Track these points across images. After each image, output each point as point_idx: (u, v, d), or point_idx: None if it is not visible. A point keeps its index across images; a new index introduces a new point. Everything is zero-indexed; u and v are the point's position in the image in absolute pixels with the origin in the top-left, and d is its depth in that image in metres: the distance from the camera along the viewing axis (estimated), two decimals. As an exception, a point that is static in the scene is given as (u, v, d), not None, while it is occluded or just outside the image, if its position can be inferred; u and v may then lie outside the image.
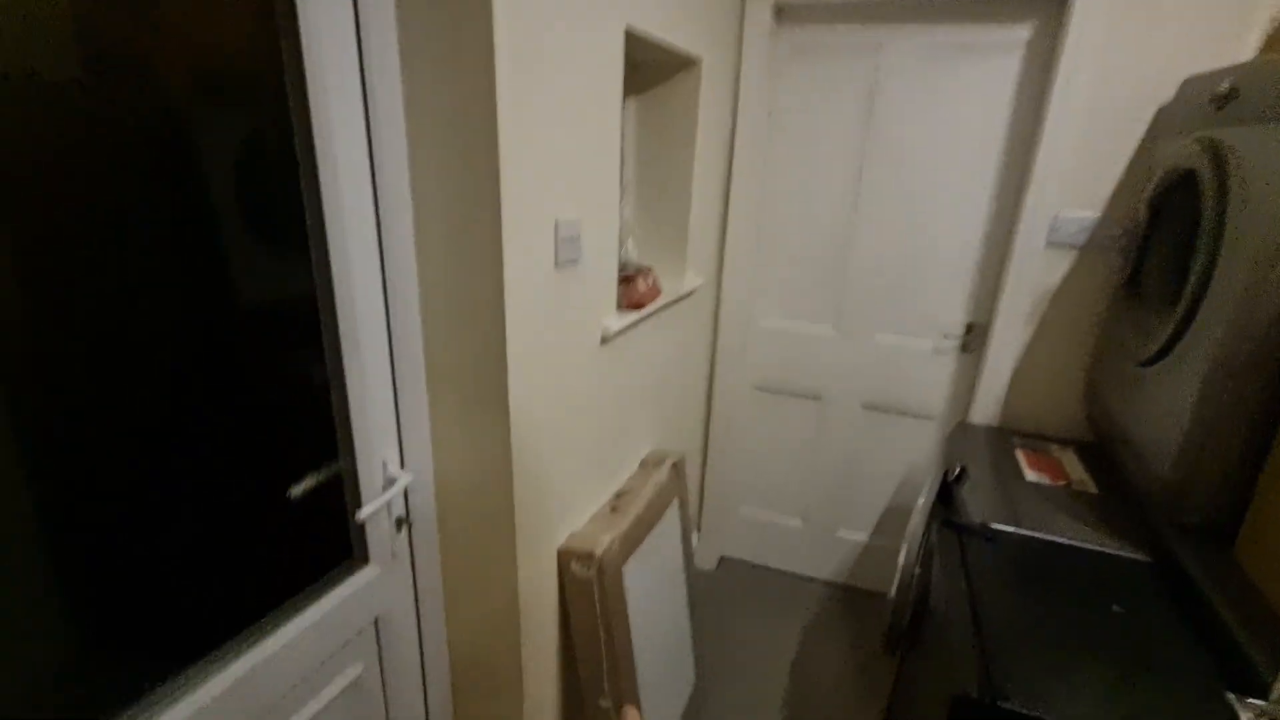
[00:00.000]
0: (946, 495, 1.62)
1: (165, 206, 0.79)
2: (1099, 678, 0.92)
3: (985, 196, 1.81)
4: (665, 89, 1.66)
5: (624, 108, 1.67)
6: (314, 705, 1.03)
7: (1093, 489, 1.49)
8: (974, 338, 1.93)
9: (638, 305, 1.44)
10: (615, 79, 1.22)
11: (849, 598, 2.34)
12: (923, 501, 1.61)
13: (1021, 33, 1.66)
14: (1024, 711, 0.85)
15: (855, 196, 1.95)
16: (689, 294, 1.86)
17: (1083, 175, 1.60)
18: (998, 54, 1.69)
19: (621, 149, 1.70)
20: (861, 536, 2.30)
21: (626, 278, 1.45)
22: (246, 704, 0.90)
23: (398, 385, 1.10)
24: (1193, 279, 1.14)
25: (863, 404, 2.15)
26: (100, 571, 0.78)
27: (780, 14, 1.86)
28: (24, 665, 0.71)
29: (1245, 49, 1.41)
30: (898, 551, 1.37)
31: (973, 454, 1.67)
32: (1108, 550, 1.24)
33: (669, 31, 1.40)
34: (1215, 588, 1.03)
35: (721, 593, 2.34)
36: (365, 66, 0.92)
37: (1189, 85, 1.40)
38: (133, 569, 0.81)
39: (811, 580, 2.42)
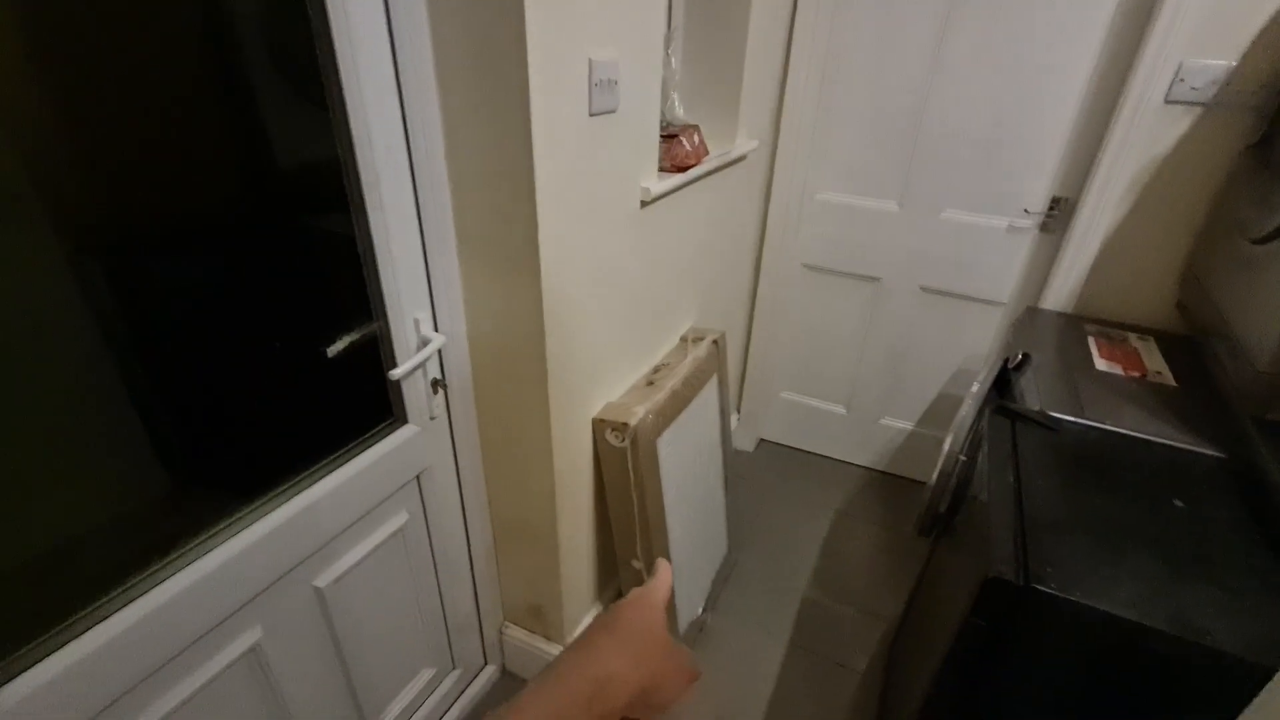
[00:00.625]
0: (1004, 383, 1.53)
1: (185, 65, 0.75)
2: (1148, 570, 0.87)
3: (1097, 39, 1.53)
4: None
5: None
6: (367, 544, 1.11)
7: (1171, 382, 1.36)
8: (1059, 215, 1.73)
9: (682, 167, 1.33)
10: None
11: (888, 484, 2.33)
12: (977, 388, 1.52)
13: None
14: (1061, 594, 0.81)
15: (938, 48, 1.70)
16: (740, 158, 1.71)
17: (1222, 12, 1.32)
18: None
19: (670, -14, 1.50)
20: (906, 425, 2.24)
21: (670, 135, 1.32)
22: (301, 539, 0.96)
23: (427, 246, 1.06)
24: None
25: (922, 286, 2.00)
26: (178, 425, 0.87)
27: None
28: (122, 500, 0.82)
29: None
30: (944, 441, 1.32)
31: (1040, 340, 1.55)
32: (1177, 444, 1.15)
33: None
34: (1298, 487, 0.94)
35: (758, 473, 2.37)
36: None
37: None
38: (202, 423, 0.90)
39: (851, 465, 2.41)
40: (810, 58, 1.80)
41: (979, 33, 1.64)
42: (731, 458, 1.88)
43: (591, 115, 1.03)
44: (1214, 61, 1.36)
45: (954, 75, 1.71)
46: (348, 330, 1.02)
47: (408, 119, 0.95)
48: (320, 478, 1.00)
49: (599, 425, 1.32)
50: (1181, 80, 1.39)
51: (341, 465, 1.04)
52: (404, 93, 0.93)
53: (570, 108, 0.98)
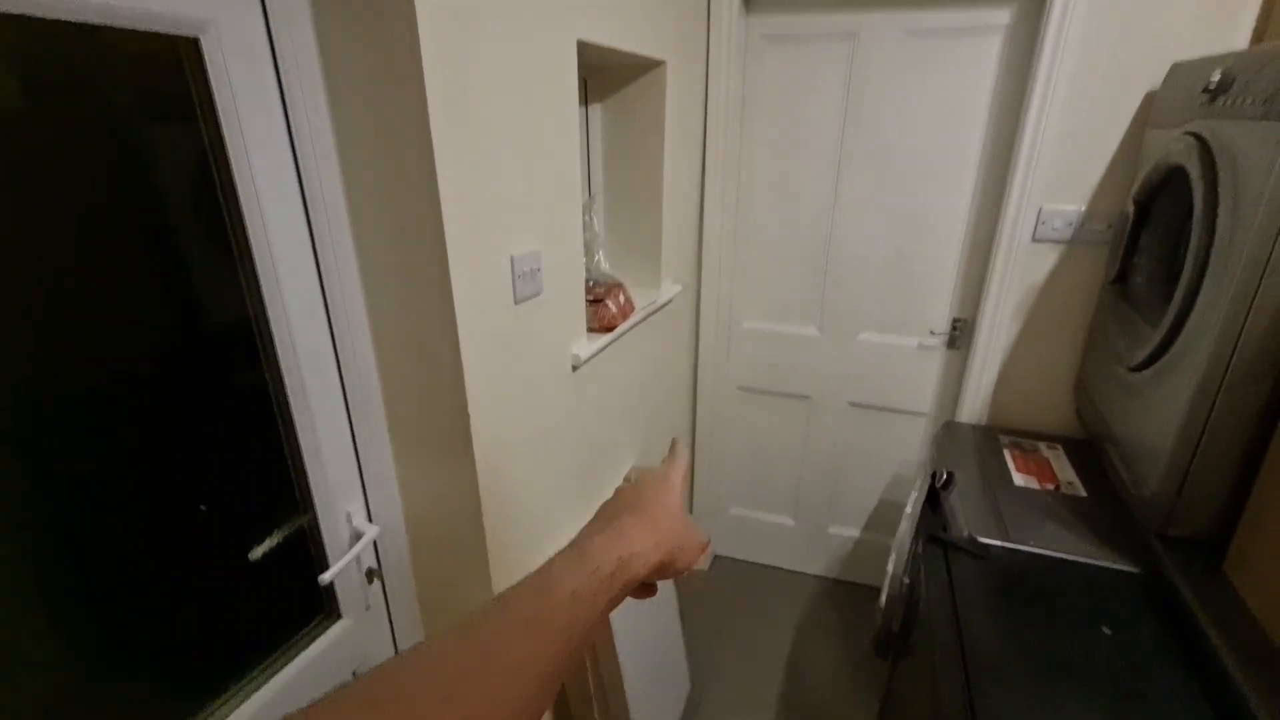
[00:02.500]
0: (935, 501, 1.59)
1: (107, 245, 0.73)
2: (1087, 710, 0.90)
3: (969, 189, 1.75)
4: (630, 92, 1.58)
5: (588, 115, 1.60)
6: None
7: (1082, 492, 1.46)
8: (961, 334, 1.89)
9: (609, 327, 1.39)
10: (570, 97, 1.15)
11: (842, 592, 2.33)
12: (911, 509, 1.58)
13: (1001, 17, 1.57)
14: (1010, 760, 0.83)
15: (835, 191, 1.89)
16: (666, 303, 1.80)
17: (1068, 167, 1.53)
18: (977, 39, 1.61)
19: (588, 159, 1.63)
20: (853, 532, 2.28)
21: (597, 298, 1.39)
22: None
23: (356, 434, 1.05)
24: (1183, 284, 1.09)
25: (850, 402, 2.11)
26: (82, 645, 0.77)
27: (749, 2, 1.76)
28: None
29: (1238, 35, 1.33)
30: (889, 547, 1.35)
31: (960, 456, 1.64)
32: (1097, 562, 1.22)
33: (626, 39, 1.32)
34: (1204, 607, 1.00)
35: (714, 591, 2.33)
36: (284, 87, 0.85)
37: (1178, 72, 1.33)
38: (111, 639, 0.80)
39: (805, 575, 2.41)
40: (723, 202, 1.96)
41: (869, 177, 1.84)
42: (686, 582, 1.85)
43: (517, 303, 1.08)
44: (1067, 206, 1.56)
45: (854, 213, 1.89)
46: (273, 528, 0.99)
47: (330, 309, 0.96)
48: (247, 697, 0.93)
49: (545, 590, 1.29)
50: (1044, 222, 1.58)
51: (273, 676, 0.96)
52: (325, 286, 0.95)
53: (495, 299, 1.03)
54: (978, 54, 1.62)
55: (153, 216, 0.78)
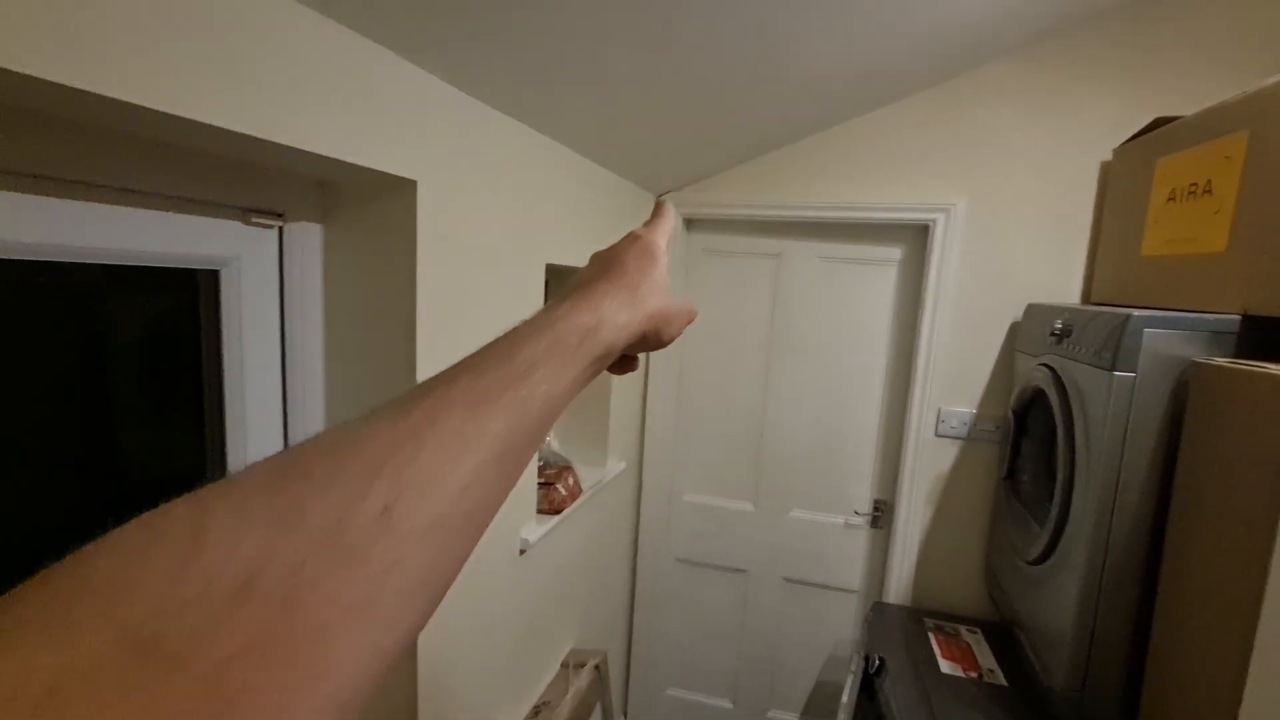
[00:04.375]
0: (869, 687, 1.62)
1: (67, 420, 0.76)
2: None
3: (880, 387, 1.99)
4: (587, 291, 1.78)
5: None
6: None
7: (1003, 680, 1.53)
8: (883, 514, 2.03)
9: (558, 510, 1.45)
10: (537, 304, 1.30)
11: (784, 787, 2.21)
12: (846, 699, 1.60)
13: (895, 252, 1.92)
14: None
15: (766, 382, 2.10)
16: (611, 480, 1.88)
17: (958, 375, 1.80)
18: (879, 267, 1.94)
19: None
20: (792, 717, 2.22)
21: (548, 481, 1.46)
22: None
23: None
24: (1058, 492, 1.27)
25: (784, 578, 2.17)
26: None
27: (690, 223, 2.08)
28: None
29: (1073, 288, 1.68)
30: None
31: (890, 639, 1.70)
32: (1022, 759, 1.26)
33: (586, 258, 1.53)
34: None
35: (651, 791, 2.16)
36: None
37: (1033, 310, 1.64)
38: None
39: (745, 767, 2.28)
40: (665, 389, 2.14)
41: (797, 372, 2.06)
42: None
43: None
44: (961, 408, 1.80)
45: (784, 401, 2.09)
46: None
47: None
48: None
49: (474, 802, 1.20)
50: (943, 420, 1.81)
51: None
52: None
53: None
54: (880, 279, 1.94)
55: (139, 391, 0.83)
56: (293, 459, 0.23)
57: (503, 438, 0.27)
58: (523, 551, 1.33)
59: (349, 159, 0.78)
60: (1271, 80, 1.02)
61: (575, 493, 1.52)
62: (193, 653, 0.17)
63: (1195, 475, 1.01)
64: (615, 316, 0.35)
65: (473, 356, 0.30)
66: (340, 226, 0.96)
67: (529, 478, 1.35)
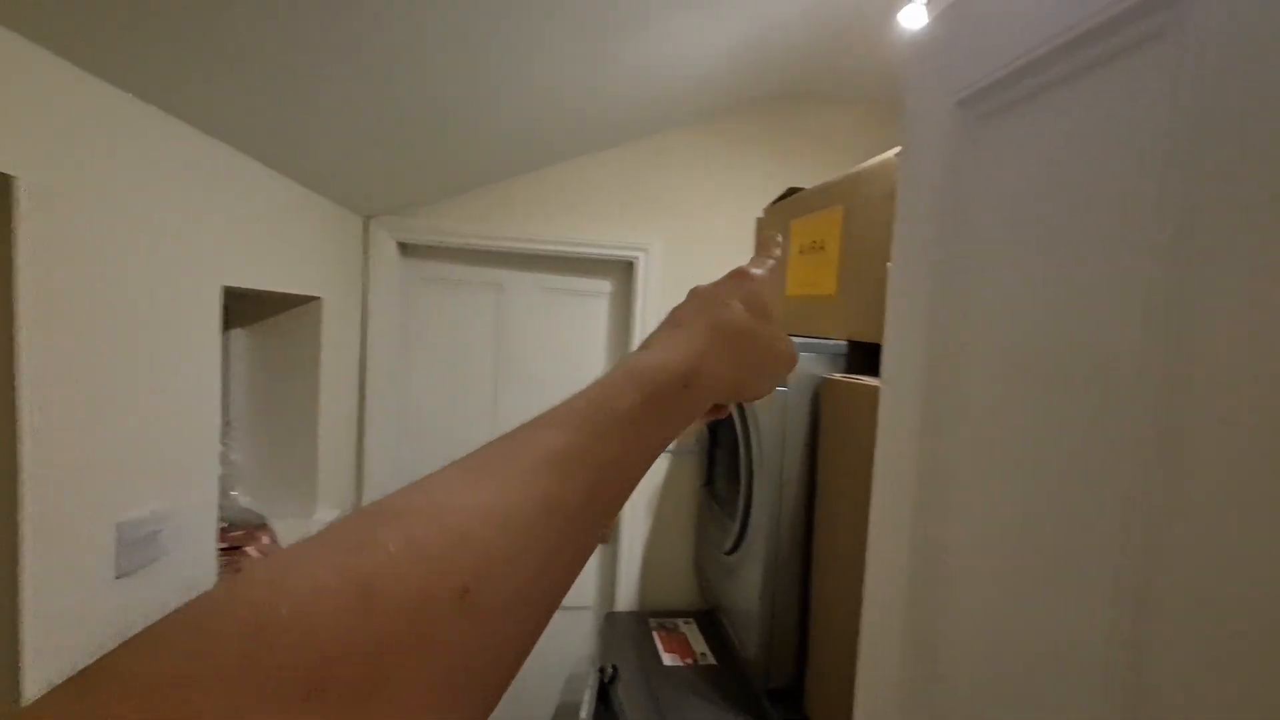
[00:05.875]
0: (606, 697, 1.70)
1: None
2: None
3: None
4: (284, 320, 1.56)
5: (229, 340, 1.51)
6: None
7: (713, 660, 1.74)
8: (610, 529, 2.17)
9: (249, 579, 1.22)
10: (213, 342, 1.10)
11: (530, 821, 2.18)
12: (585, 712, 1.65)
13: (605, 286, 2.09)
14: None
15: (495, 413, 2.08)
16: (322, 532, 1.66)
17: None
18: (593, 299, 2.09)
19: (225, 383, 1.51)
20: (536, 745, 2.21)
21: (233, 546, 1.23)
22: None
23: None
24: (742, 490, 1.51)
25: (521, 606, 2.16)
26: None
27: (405, 249, 1.97)
28: None
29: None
30: None
31: (621, 644, 1.81)
32: (730, 728, 1.45)
33: (278, 280, 1.35)
34: (796, 749, 1.28)
35: None
36: None
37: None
38: None
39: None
40: (384, 424, 1.98)
41: (522, 397, 2.09)
42: None
43: (120, 577, 0.90)
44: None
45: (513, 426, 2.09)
46: None
47: None
48: None
49: None
50: (656, 436, 2.02)
51: None
52: None
53: (88, 575, 0.84)
54: (595, 309, 2.10)
55: None
56: (367, 521, 0.23)
57: (582, 502, 0.28)
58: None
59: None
60: (857, 168, 1.38)
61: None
62: None
63: (827, 466, 1.29)
64: (715, 367, 0.33)
65: (555, 412, 0.30)
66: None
67: (205, 561, 1.12)
